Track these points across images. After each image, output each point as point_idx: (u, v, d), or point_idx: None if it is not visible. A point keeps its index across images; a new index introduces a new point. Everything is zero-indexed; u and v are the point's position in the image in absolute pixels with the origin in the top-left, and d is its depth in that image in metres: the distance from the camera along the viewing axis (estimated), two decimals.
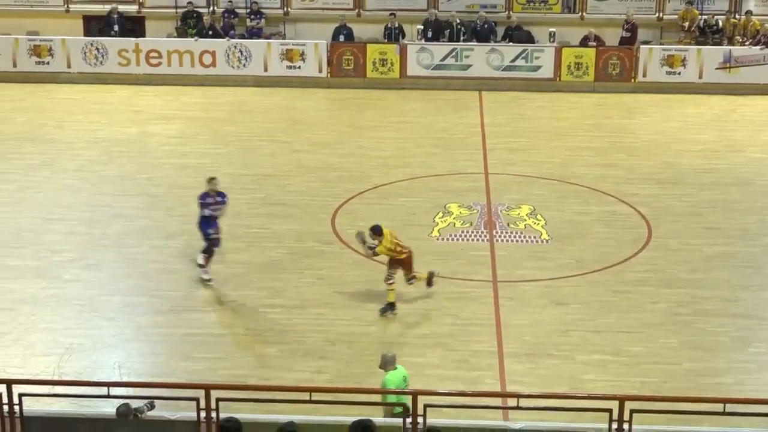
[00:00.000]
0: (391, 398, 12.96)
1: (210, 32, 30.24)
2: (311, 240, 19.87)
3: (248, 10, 30.85)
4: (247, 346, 16.19)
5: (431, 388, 13.43)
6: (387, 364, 13.61)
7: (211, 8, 31.15)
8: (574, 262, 18.92)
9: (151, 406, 10.98)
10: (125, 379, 14.85)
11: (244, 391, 12.79)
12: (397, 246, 16.75)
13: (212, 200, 17.93)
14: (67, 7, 31.27)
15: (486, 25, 30.14)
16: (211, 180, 17.96)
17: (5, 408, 11.04)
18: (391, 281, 16.94)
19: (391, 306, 16.99)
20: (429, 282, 17.28)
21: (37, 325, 16.60)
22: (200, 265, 17.90)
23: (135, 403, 11.53)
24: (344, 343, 16.18)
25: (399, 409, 12.08)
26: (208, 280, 17.84)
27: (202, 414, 11.21)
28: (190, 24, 30.41)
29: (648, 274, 18.48)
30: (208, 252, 18.01)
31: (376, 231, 16.69)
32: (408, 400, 11.43)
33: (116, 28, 30.26)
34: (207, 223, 17.88)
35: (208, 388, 11.32)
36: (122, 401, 11.39)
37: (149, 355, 16.14)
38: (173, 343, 16.33)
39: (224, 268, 18.67)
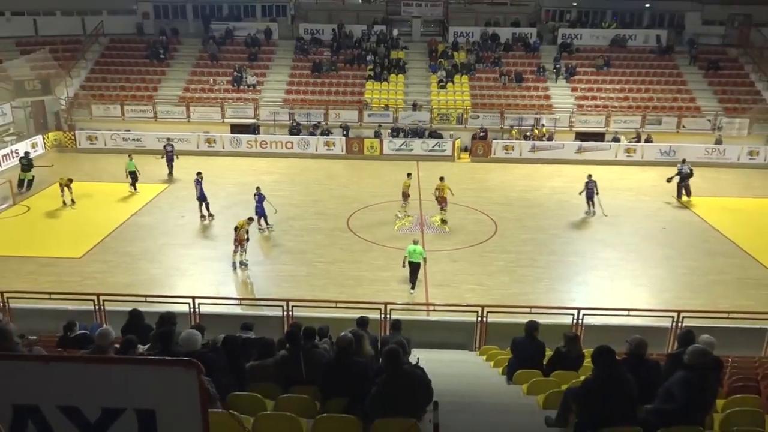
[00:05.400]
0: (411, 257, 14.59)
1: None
2: (338, 231, 19.70)
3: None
4: (304, 283, 15.78)
5: (395, 300, 13.59)
6: (414, 242, 15.09)
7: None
8: (460, 241, 18.89)
9: None
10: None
11: (308, 302, 13.03)
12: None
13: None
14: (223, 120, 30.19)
15: (417, 129, 29.72)
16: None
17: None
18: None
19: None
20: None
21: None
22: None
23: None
24: (351, 280, 16.03)
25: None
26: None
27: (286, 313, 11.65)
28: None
29: (495, 247, 18.53)
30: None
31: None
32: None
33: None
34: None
35: (288, 301, 11.93)
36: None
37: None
38: (269, 279, 16.17)
39: (295, 245, 18.12)
